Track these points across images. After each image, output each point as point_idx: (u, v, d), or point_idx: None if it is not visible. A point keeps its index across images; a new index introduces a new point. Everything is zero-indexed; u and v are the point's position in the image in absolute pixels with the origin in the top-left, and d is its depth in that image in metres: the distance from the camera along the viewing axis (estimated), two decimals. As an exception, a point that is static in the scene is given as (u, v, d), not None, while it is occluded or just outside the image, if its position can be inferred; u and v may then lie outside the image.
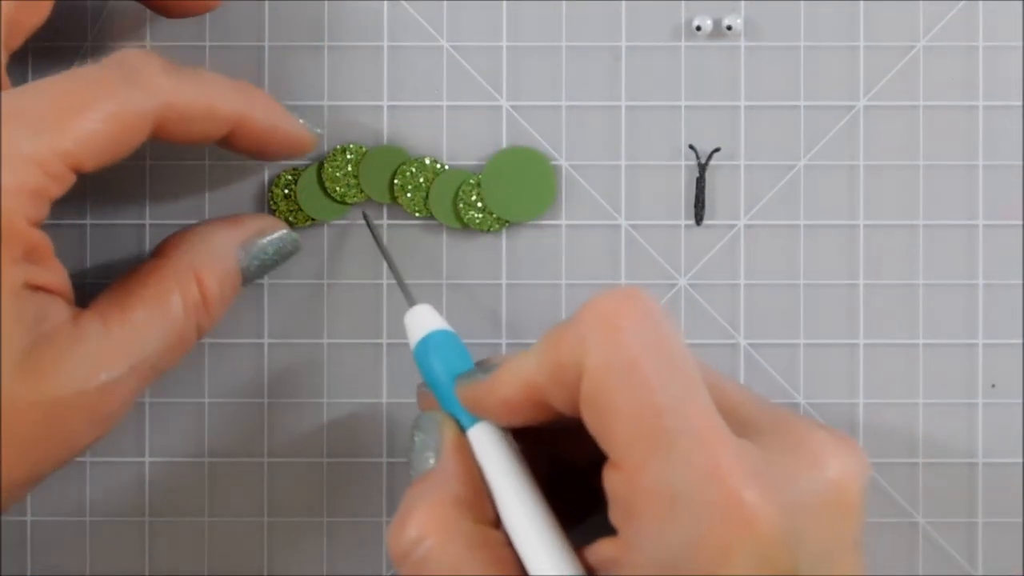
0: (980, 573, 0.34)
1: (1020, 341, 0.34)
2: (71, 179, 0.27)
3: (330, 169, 0.34)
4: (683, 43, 0.34)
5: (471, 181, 0.34)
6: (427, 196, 0.34)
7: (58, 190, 0.27)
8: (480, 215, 0.34)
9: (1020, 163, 0.34)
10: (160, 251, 0.30)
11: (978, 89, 0.34)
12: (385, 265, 0.33)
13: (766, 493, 0.22)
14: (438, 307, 0.34)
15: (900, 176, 0.34)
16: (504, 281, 0.34)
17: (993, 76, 0.34)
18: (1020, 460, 0.34)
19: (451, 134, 0.34)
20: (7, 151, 0.26)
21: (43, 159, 0.26)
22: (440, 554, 0.25)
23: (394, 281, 0.34)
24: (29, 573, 0.34)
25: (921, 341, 0.34)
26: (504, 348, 0.34)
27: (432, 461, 0.27)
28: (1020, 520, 0.34)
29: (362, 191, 0.34)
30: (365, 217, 0.33)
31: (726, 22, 0.34)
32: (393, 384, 0.34)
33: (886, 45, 0.34)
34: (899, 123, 0.34)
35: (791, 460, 0.23)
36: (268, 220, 0.32)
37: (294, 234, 0.32)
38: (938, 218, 0.34)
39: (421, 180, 0.34)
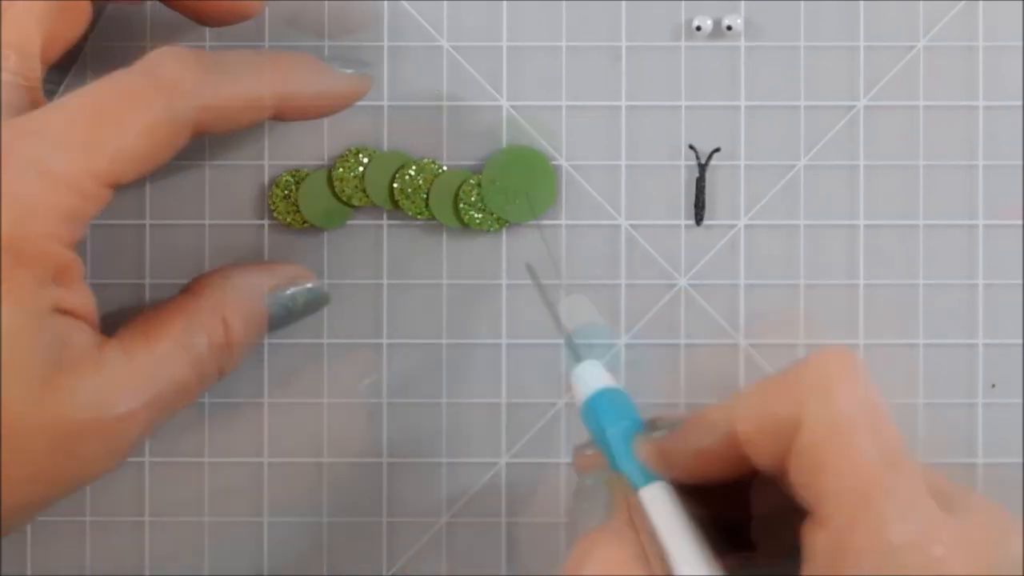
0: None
1: (1020, 341, 0.34)
2: (107, 196, 0.27)
3: (341, 170, 0.34)
4: (683, 43, 0.34)
5: (471, 181, 0.34)
6: (427, 197, 0.34)
7: (93, 209, 0.27)
8: (480, 215, 0.34)
9: (1020, 163, 0.34)
10: (190, 288, 0.30)
11: (978, 89, 0.34)
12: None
13: (968, 563, 0.23)
14: (438, 307, 0.34)
15: (900, 176, 0.34)
16: (504, 281, 0.34)
17: (993, 76, 0.34)
18: (1020, 460, 0.34)
19: (451, 134, 0.34)
20: (39, 172, 0.26)
21: (76, 180, 0.26)
22: None
23: (388, 282, 0.34)
24: (29, 573, 0.34)
25: (921, 341, 0.34)
26: (504, 349, 0.34)
27: (603, 515, 0.26)
28: (1020, 520, 0.34)
29: (367, 195, 0.34)
30: (529, 270, 0.32)
31: (726, 22, 0.34)
32: (393, 384, 0.34)
33: (886, 45, 0.34)
34: (899, 123, 0.34)
35: (990, 537, 0.24)
36: (300, 270, 0.32)
37: (324, 288, 0.33)
38: (938, 218, 0.34)
39: (420, 182, 0.34)
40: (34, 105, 0.28)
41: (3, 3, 0.28)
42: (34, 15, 0.28)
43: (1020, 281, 0.34)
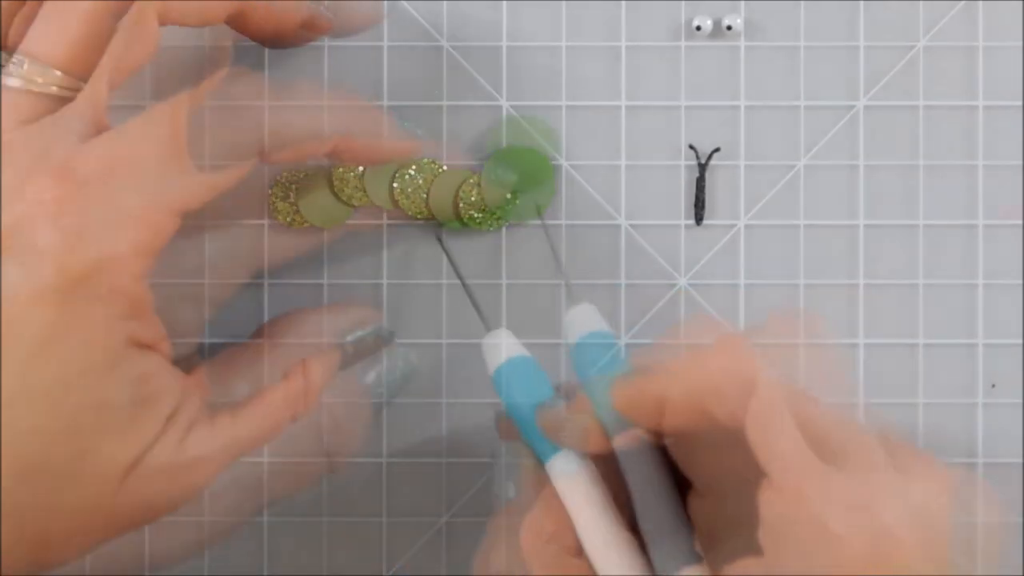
0: (980, 573, 0.34)
1: (1020, 341, 0.34)
2: (177, 225, 0.27)
3: (341, 170, 0.34)
4: (683, 43, 0.34)
5: (471, 180, 0.34)
6: (427, 196, 0.34)
7: (165, 240, 0.26)
8: (480, 214, 0.34)
9: (1020, 163, 0.34)
10: (268, 333, 0.30)
11: (978, 89, 0.34)
12: (455, 278, 0.33)
13: (916, 529, 0.23)
14: (438, 307, 0.34)
15: (900, 176, 0.34)
16: (504, 281, 0.34)
17: (993, 76, 0.34)
18: (1020, 460, 0.34)
19: (451, 135, 0.34)
20: (115, 211, 0.25)
21: (148, 215, 0.26)
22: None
23: (388, 282, 0.34)
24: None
25: (921, 341, 0.34)
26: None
27: (512, 492, 0.27)
28: (1020, 520, 0.34)
29: (366, 195, 0.34)
30: (439, 240, 0.33)
31: (726, 22, 0.34)
32: (393, 384, 0.34)
33: (886, 45, 0.34)
34: (899, 123, 0.34)
35: (940, 499, 0.24)
36: (366, 311, 0.32)
37: (389, 328, 0.33)
38: (938, 218, 0.34)
39: (420, 181, 0.34)
40: (47, 113, 0.27)
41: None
42: (103, 39, 0.27)
43: (1020, 281, 0.34)
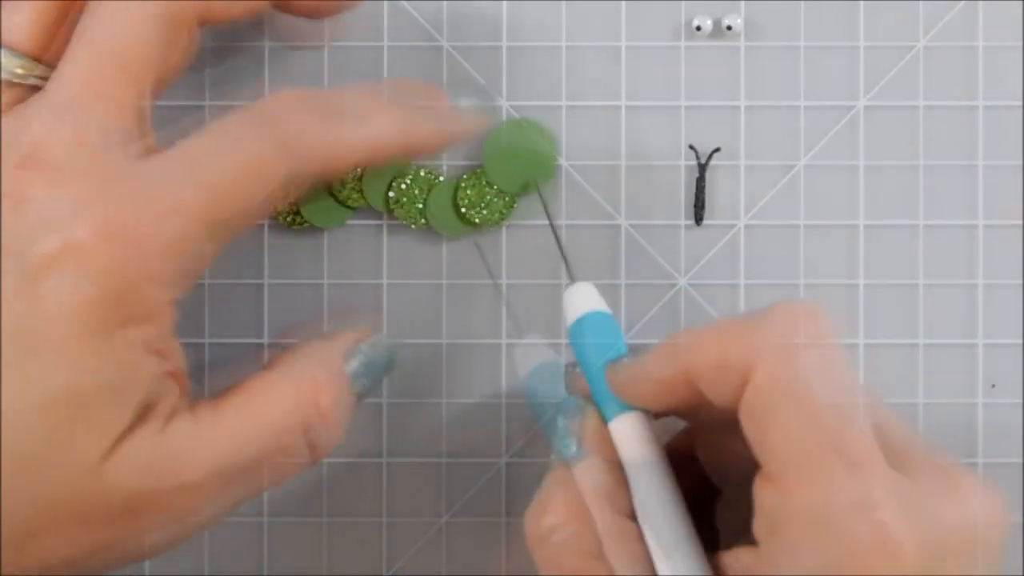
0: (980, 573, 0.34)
1: (1020, 341, 0.34)
2: (217, 252, 0.26)
3: None
4: (683, 43, 0.34)
5: (466, 179, 0.34)
6: (423, 207, 0.34)
7: (203, 267, 0.26)
8: (484, 212, 0.34)
9: (1020, 163, 0.34)
10: (270, 365, 0.29)
11: (978, 89, 0.34)
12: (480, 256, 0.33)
13: (913, 528, 0.22)
14: (438, 306, 0.34)
15: (900, 176, 0.34)
16: (504, 281, 0.34)
17: (993, 76, 0.34)
18: (1020, 460, 0.34)
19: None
20: (149, 239, 0.25)
21: (191, 243, 0.25)
22: (577, 543, 0.25)
23: (388, 282, 0.34)
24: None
25: (921, 341, 0.34)
26: (504, 348, 0.34)
27: (574, 448, 0.27)
28: (1020, 520, 0.34)
29: (363, 197, 0.34)
30: (478, 246, 0.33)
31: (726, 22, 0.34)
32: (393, 384, 0.34)
33: (886, 45, 0.34)
34: (899, 123, 0.34)
35: (940, 498, 0.24)
36: (359, 332, 0.31)
37: (388, 340, 0.31)
38: (938, 218, 0.34)
39: (416, 192, 0.34)
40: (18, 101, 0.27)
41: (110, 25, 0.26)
42: (144, 42, 0.26)
43: (1020, 281, 0.34)
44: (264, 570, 0.34)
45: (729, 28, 0.34)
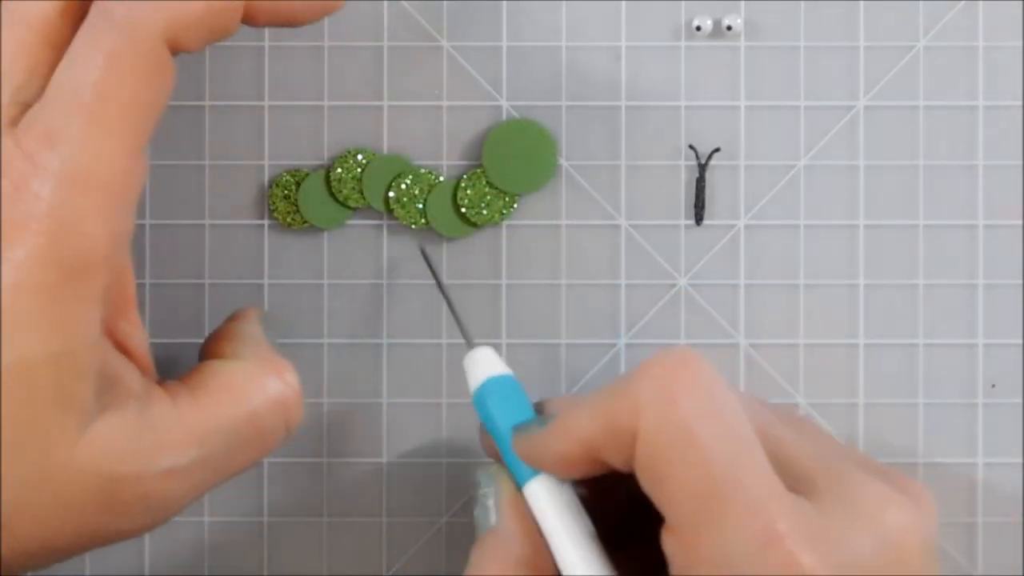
0: (980, 573, 0.34)
1: (1020, 341, 0.34)
2: (143, 168, 0.25)
3: (340, 170, 0.34)
4: (683, 43, 0.34)
5: (465, 178, 0.34)
6: (423, 208, 0.34)
7: (135, 184, 0.24)
8: (485, 211, 0.34)
9: (1020, 163, 0.34)
10: (215, 352, 0.28)
11: (978, 89, 0.34)
12: (439, 290, 0.32)
13: (822, 556, 0.22)
14: (438, 308, 0.34)
15: (900, 176, 0.34)
16: (504, 281, 0.34)
17: (993, 76, 0.34)
18: (1020, 460, 0.34)
19: (451, 135, 0.34)
20: (64, 174, 0.23)
21: (109, 162, 0.24)
22: None
23: (388, 282, 0.34)
24: (29, 573, 0.34)
25: (921, 341, 0.34)
26: (504, 348, 0.34)
27: (493, 518, 0.27)
28: (1020, 520, 0.34)
29: (364, 197, 0.34)
30: (423, 253, 0.33)
31: (726, 22, 0.34)
32: (393, 384, 0.34)
33: (886, 45, 0.34)
34: (899, 123, 0.34)
35: (847, 518, 0.23)
36: (248, 310, 0.31)
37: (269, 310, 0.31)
38: (938, 218, 0.34)
39: (416, 192, 0.34)
40: None
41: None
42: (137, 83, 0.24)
43: (1020, 281, 0.34)
44: (264, 570, 0.34)
45: (729, 28, 0.34)
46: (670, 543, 0.23)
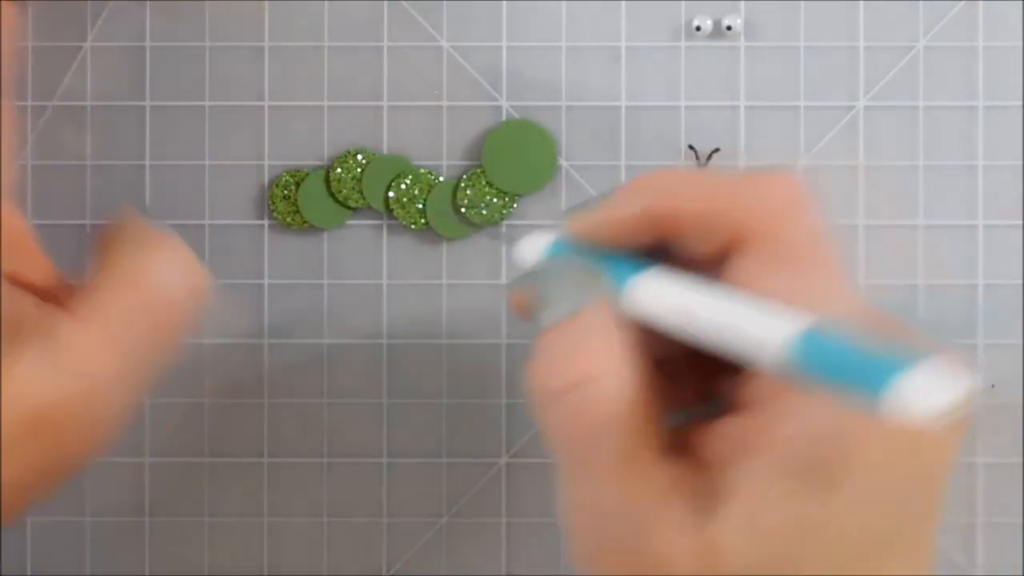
0: (980, 573, 0.34)
1: (1020, 341, 0.34)
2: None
3: (340, 171, 0.34)
4: (683, 43, 0.34)
5: (464, 179, 0.34)
6: (422, 208, 0.34)
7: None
8: (484, 211, 0.34)
9: (1020, 163, 0.34)
10: (110, 250, 0.27)
11: (978, 89, 0.34)
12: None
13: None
14: (438, 307, 0.34)
15: (900, 176, 0.34)
16: (504, 282, 0.34)
17: (993, 76, 0.34)
18: (1020, 460, 0.34)
19: (451, 134, 0.34)
20: None
21: None
22: (615, 394, 0.21)
23: (388, 282, 0.34)
24: (29, 573, 0.34)
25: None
26: (504, 348, 0.34)
27: (573, 308, 0.23)
28: (1020, 520, 0.34)
29: (364, 197, 0.34)
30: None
31: (726, 22, 0.34)
32: (393, 384, 0.34)
33: (886, 45, 0.34)
34: (899, 123, 0.34)
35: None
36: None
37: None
38: (938, 218, 0.34)
39: (416, 192, 0.34)
40: None
41: None
42: None
43: (1020, 281, 0.34)
44: (264, 570, 0.34)
45: (729, 28, 0.34)
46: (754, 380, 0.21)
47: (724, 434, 0.22)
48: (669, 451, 0.22)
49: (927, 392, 0.18)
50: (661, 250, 0.23)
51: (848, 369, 0.19)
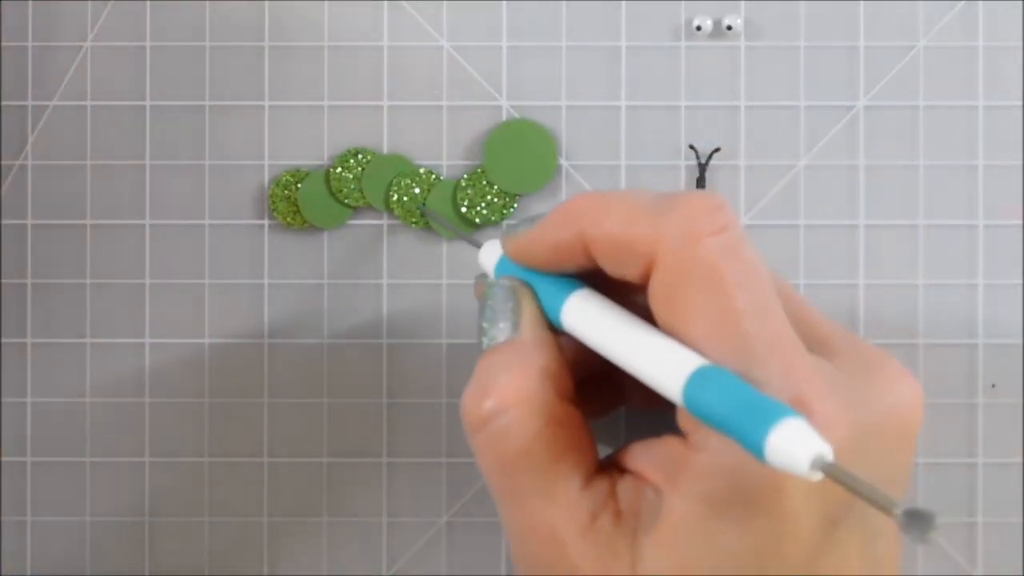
0: (980, 573, 0.34)
1: (1020, 341, 0.34)
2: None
3: (340, 170, 0.34)
4: (683, 43, 0.34)
5: (465, 179, 0.34)
6: (424, 206, 0.34)
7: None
8: (485, 211, 0.34)
9: (1020, 163, 0.34)
10: None
11: (978, 89, 0.34)
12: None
13: (839, 407, 0.21)
14: (438, 307, 0.34)
15: (900, 176, 0.34)
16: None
17: (993, 76, 0.34)
18: (1020, 460, 0.34)
19: (451, 134, 0.34)
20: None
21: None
22: (520, 428, 0.23)
23: (388, 282, 0.34)
24: (29, 573, 0.34)
25: (921, 341, 0.34)
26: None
27: (508, 332, 0.24)
28: (1020, 520, 0.34)
29: (364, 197, 0.34)
30: (421, 211, 0.33)
31: (726, 22, 0.34)
32: (393, 384, 0.34)
33: (886, 45, 0.34)
34: (899, 123, 0.34)
35: (863, 381, 0.23)
36: None
37: None
38: (938, 218, 0.34)
39: (416, 191, 0.34)
40: None
41: None
42: None
43: (1020, 281, 0.34)
44: (264, 570, 0.34)
45: (729, 28, 0.34)
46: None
47: (659, 454, 0.23)
48: (602, 471, 0.23)
49: (792, 447, 0.19)
50: (598, 270, 0.24)
51: (724, 419, 0.20)
